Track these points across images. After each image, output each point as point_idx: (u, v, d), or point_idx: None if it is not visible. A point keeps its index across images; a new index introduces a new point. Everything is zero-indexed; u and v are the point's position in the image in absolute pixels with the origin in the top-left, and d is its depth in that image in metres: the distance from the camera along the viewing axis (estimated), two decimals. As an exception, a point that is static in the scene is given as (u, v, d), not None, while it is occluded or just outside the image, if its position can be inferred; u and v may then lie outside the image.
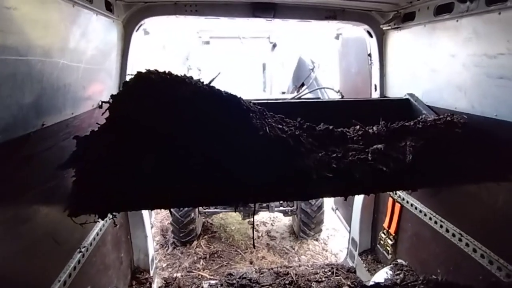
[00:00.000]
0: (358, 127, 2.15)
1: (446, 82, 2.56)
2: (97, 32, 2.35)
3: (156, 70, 1.67)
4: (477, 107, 2.24)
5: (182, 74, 1.69)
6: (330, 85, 4.48)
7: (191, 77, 1.70)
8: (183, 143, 1.60)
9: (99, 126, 1.67)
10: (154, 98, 1.58)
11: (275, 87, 6.70)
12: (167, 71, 1.68)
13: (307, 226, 5.12)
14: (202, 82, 1.71)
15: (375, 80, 3.52)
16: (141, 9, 2.87)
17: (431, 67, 2.72)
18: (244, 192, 1.68)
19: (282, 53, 6.49)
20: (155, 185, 1.55)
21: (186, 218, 4.81)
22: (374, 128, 2.15)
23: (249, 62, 6.64)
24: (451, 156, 1.96)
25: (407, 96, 2.91)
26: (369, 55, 3.53)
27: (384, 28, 3.20)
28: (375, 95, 3.55)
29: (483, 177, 2.06)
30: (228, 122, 1.64)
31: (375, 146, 1.93)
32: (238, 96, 1.75)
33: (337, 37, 4.57)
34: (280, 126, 1.86)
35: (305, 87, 4.81)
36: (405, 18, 2.97)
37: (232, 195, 1.70)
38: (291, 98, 3.93)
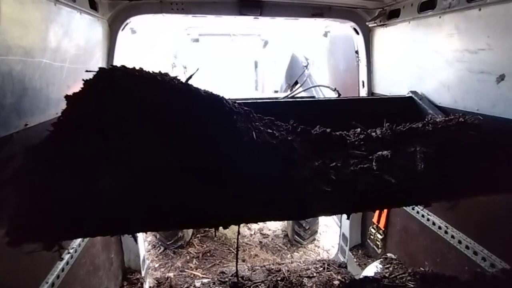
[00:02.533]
0: (359, 130, 1.87)
1: (430, 78, 2.60)
2: (81, 31, 2.32)
3: (123, 66, 1.39)
4: (460, 102, 2.29)
5: (162, 72, 1.47)
6: (325, 82, 4.29)
7: (166, 74, 1.45)
8: (150, 152, 1.31)
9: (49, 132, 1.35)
10: (117, 98, 1.32)
11: (268, 85, 6.66)
12: (138, 68, 1.41)
13: (301, 237, 5.06)
14: (179, 80, 1.45)
15: (363, 77, 3.56)
16: (127, 8, 2.85)
17: (416, 63, 2.77)
18: (223, 213, 1.39)
19: (274, 50, 6.42)
20: (112, 208, 1.25)
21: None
22: (378, 131, 1.85)
23: (240, 60, 6.59)
24: (467, 163, 1.67)
25: (411, 94, 2.68)
26: (356, 52, 3.57)
27: (370, 25, 3.24)
28: (363, 91, 3.59)
29: (500, 187, 1.79)
30: (206, 126, 1.40)
31: (379, 153, 1.66)
32: (220, 95, 1.51)
33: (325, 35, 4.61)
34: (270, 131, 1.59)
35: (298, 85, 4.58)
36: (390, 15, 3.00)
37: (205, 216, 1.39)
38: (284, 97, 3.64)
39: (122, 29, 2.91)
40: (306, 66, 4.67)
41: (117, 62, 2.92)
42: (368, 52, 3.41)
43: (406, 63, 2.90)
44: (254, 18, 3.11)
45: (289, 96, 3.83)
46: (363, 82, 3.58)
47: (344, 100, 2.93)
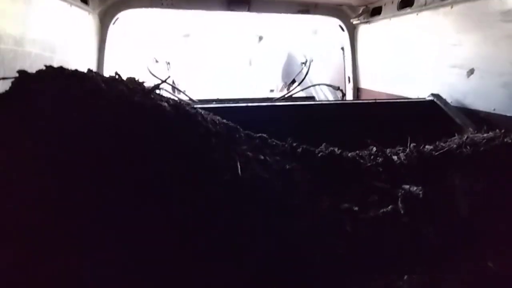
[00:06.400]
0: (375, 149, 1.45)
1: (410, 73, 2.73)
2: (72, 24, 2.39)
3: (50, 67, 1.04)
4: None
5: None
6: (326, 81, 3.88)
7: (102, 78, 1.06)
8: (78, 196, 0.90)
9: None
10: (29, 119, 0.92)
11: (263, 84, 6.56)
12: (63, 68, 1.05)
13: None
14: (132, 87, 1.06)
15: (348, 72, 3.68)
16: (117, 2, 2.92)
17: (397, 59, 2.89)
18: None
19: (270, 46, 6.33)
20: None
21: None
22: (401, 154, 1.42)
23: (233, 56, 6.53)
24: None
25: (432, 98, 2.28)
26: (342, 48, 3.69)
27: (354, 23, 3.36)
28: (349, 86, 3.71)
29: None
30: (168, 158, 0.99)
31: (407, 188, 1.23)
32: (193, 109, 1.14)
33: (314, 32, 4.72)
34: (261, 157, 1.19)
35: (296, 84, 4.19)
36: (373, 13, 3.12)
37: None
38: (280, 98, 3.28)
39: (113, 23, 2.98)
40: (305, 63, 4.26)
41: (108, 56, 2.99)
42: (353, 48, 3.53)
43: (389, 59, 3.03)
44: (243, 12, 3.20)
45: (286, 96, 3.52)
46: (349, 78, 3.70)
47: (351, 104, 2.61)
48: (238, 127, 1.25)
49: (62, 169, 0.90)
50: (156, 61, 4.71)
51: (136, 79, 1.18)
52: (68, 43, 2.32)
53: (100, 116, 0.97)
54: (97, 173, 0.92)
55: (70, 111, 0.95)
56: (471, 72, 2.10)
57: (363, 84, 3.59)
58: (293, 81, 4.52)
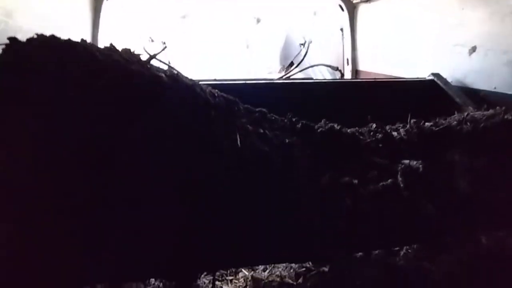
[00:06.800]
0: (374, 126, 1.46)
1: (411, 54, 2.68)
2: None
3: (42, 35, 1.00)
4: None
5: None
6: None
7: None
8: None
9: None
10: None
11: (260, 66, 6.49)
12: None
13: None
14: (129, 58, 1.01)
15: (347, 54, 3.63)
16: (111, -24, 2.83)
17: (398, 39, 2.84)
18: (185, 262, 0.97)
19: (268, 29, 6.22)
20: None
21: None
22: (401, 130, 1.42)
23: (230, 39, 6.42)
24: None
25: (432, 77, 2.24)
26: (341, 29, 3.62)
27: (354, 2, 3.29)
28: (348, 69, 3.66)
29: None
30: (166, 130, 0.96)
31: (406, 162, 1.24)
32: (192, 80, 1.11)
33: (314, 14, 4.61)
34: (261, 131, 1.17)
35: (294, 66, 4.11)
36: (374, -9, 3.05)
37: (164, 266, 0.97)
38: (278, 79, 3.18)
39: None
40: (303, 45, 4.17)
41: (103, 34, 2.91)
42: (352, 29, 3.47)
43: (389, 39, 2.98)
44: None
45: (284, 77, 3.40)
46: (347, 60, 3.65)
47: (349, 83, 2.57)
48: (237, 100, 1.22)
49: (56, 134, 0.87)
50: (152, 41, 4.61)
51: (132, 51, 1.12)
52: (61, 18, 2.26)
53: (94, 85, 0.93)
54: (92, 140, 0.90)
55: (63, 79, 0.92)
56: (473, 50, 2.08)
57: (362, 66, 3.54)
58: (291, 64, 4.47)
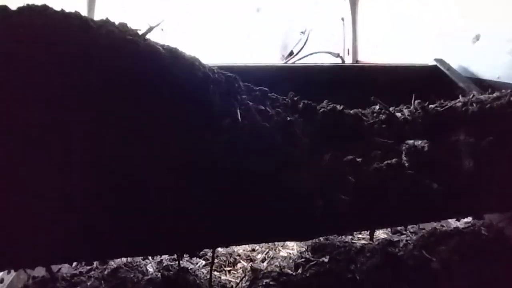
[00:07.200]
0: (378, 107, 1.43)
1: (412, 43, 2.65)
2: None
3: (32, 4, 0.94)
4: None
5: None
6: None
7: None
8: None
9: None
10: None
11: (262, 56, 6.44)
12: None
13: None
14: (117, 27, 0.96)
15: (348, 44, 3.59)
16: None
17: (399, 28, 2.81)
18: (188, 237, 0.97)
19: (268, 18, 6.17)
20: None
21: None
22: (405, 110, 1.41)
23: (230, 27, 6.35)
24: None
25: (435, 63, 2.20)
26: (342, 19, 3.58)
27: (356, -11, 3.24)
28: (348, 59, 3.63)
29: None
30: (164, 103, 0.94)
31: (411, 142, 1.23)
32: (191, 55, 1.07)
33: (315, 3, 4.56)
34: (262, 107, 1.15)
35: (294, 54, 4.09)
36: (377, -22, 3.01)
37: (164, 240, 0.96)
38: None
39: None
40: (303, 32, 4.15)
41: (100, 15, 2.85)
42: (354, 18, 3.44)
43: (390, 28, 2.94)
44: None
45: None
46: (348, 50, 3.62)
47: (352, 67, 2.54)
48: (237, 77, 1.18)
49: (51, 96, 0.85)
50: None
51: (128, 26, 1.08)
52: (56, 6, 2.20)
53: (89, 53, 0.90)
54: (87, 108, 0.87)
55: (55, 47, 0.88)
56: (476, 38, 2.04)
57: (362, 56, 3.51)
58: (291, 53, 4.39)
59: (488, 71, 1.99)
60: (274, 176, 1.00)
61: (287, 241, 1.54)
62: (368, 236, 2.15)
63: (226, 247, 1.56)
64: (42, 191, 0.83)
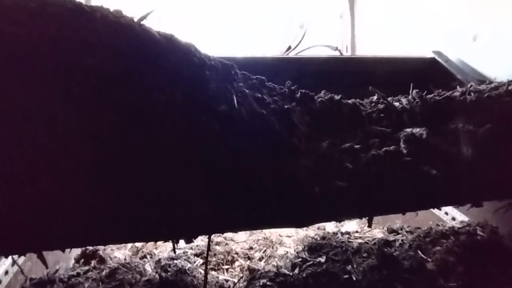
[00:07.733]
0: (376, 97, 1.44)
1: (412, 39, 2.63)
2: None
3: None
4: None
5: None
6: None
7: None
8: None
9: None
10: None
11: (260, 51, 6.40)
12: None
13: None
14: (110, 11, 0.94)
15: (346, 39, 3.59)
16: None
17: (399, 25, 2.80)
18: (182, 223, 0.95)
19: (266, 13, 6.13)
20: None
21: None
22: (403, 100, 1.41)
23: (229, 20, 6.31)
24: None
25: (433, 55, 2.21)
26: (340, 16, 3.58)
27: (354, -14, 3.23)
28: (346, 55, 3.61)
29: None
30: (160, 87, 0.91)
31: (409, 130, 1.23)
32: (187, 41, 1.04)
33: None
34: (259, 95, 1.13)
35: (291, 49, 4.06)
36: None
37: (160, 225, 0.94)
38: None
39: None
40: (302, 26, 4.10)
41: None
42: (352, 15, 3.43)
43: (389, 24, 2.93)
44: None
45: None
46: (346, 47, 3.61)
47: (350, 59, 2.53)
48: (234, 64, 1.15)
49: (44, 78, 0.84)
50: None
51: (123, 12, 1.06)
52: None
53: (83, 36, 0.88)
54: (82, 92, 0.85)
55: (49, 29, 0.86)
56: (476, 36, 2.04)
57: (360, 52, 3.51)
58: (289, 47, 4.30)
59: (488, 68, 1.99)
60: (271, 162, 0.99)
61: (283, 227, 1.53)
62: (365, 235, 2.17)
63: (222, 233, 1.54)
64: (39, 172, 0.82)
